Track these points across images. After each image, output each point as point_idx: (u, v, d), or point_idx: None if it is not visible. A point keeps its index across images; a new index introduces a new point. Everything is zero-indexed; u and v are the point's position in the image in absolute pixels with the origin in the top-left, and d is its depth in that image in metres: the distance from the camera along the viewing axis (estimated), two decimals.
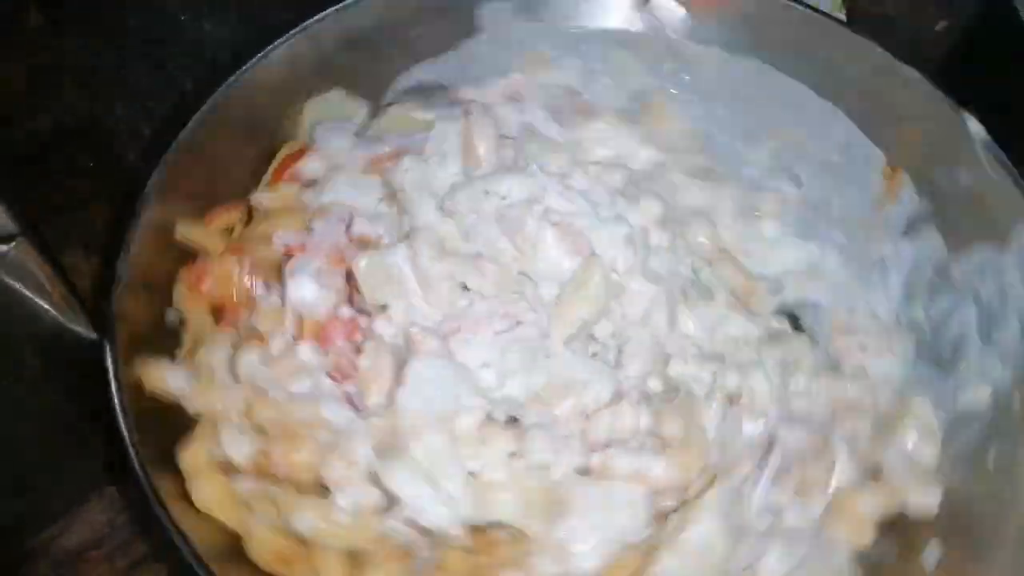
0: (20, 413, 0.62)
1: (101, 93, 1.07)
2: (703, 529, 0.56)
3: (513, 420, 0.60)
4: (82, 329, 0.61)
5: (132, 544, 0.74)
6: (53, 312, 0.58)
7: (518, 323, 0.61)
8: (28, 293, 0.54)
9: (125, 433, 0.54)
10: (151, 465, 0.53)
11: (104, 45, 1.11)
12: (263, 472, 0.57)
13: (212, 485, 0.57)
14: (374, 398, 0.59)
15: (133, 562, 0.73)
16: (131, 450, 0.53)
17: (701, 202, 0.72)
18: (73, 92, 1.02)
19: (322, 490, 0.57)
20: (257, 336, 0.61)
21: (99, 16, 1.13)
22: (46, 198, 0.91)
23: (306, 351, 0.60)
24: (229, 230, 0.69)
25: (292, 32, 0.71)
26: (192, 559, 0.51)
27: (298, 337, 0.61)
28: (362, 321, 0.62)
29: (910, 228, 0.71)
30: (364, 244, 0.65)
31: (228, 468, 0.58)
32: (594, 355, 0.63)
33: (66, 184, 0.94)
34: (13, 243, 0.51)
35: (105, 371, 0.58)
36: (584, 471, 0.59)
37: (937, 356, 0.67)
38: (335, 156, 0.70)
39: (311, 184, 0.69)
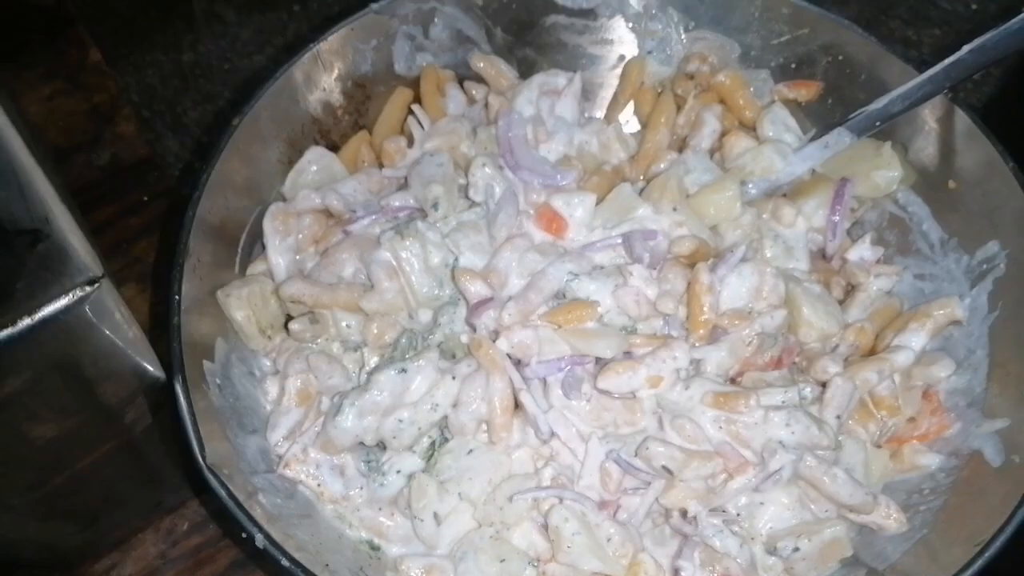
0: (93, 446, 0.64)
1: (155, 127, 1.10)
2: None
3: None
4: (151, 367, 0.63)
5: None
6: (127, 351, 0.59)
7: None
8: (107, 332, 0.56)
9: (198, 452, 0.60)
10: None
11: (159, 82, 1.15)
12: None
13: None
14: None
15: None
16: (203, 464, 0.59)
17: None
18: (130, 128, 1.05)
19: None
20: None
21: (153, 54, 1.17)
22: (100, 233, 0.94)
23: None
24: None
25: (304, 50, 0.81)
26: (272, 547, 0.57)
27: None
28: None
29: None
30: None
31: None
32: None
33: (121, 220, 0.97)
34: (97, 284, 0.53)
35: (176, 403, 0.61)
36: None
37: None
38: None
39: None
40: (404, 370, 0.67)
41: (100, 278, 0.53)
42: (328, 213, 0.80)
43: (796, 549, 0.63)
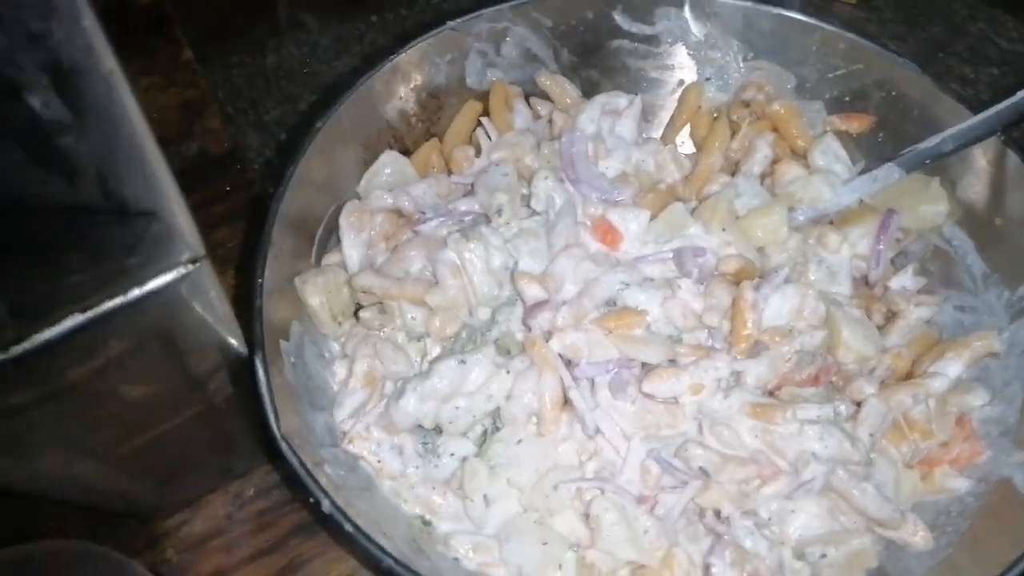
0: (177, 411, 0.70)
1: (238, 124, 1.17)
2: None
3: None
4: (235, 342, 0.69)
5: (248, 538, 0.82)
6: (216, 326, 0.65)
7: None
8: (201, 307, 0.62)
9: (273, 422, 0.66)
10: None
11: (243, 81, 1.22)
12: None
13: None
14: None
15: (249, 555, 0.81)
16: (278, 433, 0.66)
17: None
18: (216, 123, 1.13)
19: None
20: None
21: (239, 55, 1.25)
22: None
23: None
24: None
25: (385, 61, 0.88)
26: (336, 513, 0.63)
27: None
28: None
29: None
30: None
31: None
32: None
33: (204, 208, 1.04)
34: (198, 263, 0.59)
35: (255, 377, 0.68)
36: None
37: None
38: None
39: None
40: (463, 361, 0.72)
41: (202, 257, 0.59)
42: (399, 213, 0.85)
43: (823, 556, 0.66)
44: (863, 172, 0.89)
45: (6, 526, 0.81)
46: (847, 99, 0.93)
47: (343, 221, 0.82)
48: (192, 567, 0.80)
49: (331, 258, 0.84)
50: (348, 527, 0.62)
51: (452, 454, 0.73)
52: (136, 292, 0.57)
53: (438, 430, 0.75)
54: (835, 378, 0.76)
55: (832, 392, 0.75)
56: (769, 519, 0.69)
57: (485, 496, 0.71)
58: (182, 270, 0.58)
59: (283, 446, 0.66)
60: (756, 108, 0.94)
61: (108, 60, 0.43)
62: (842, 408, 0.70)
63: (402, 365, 0.77)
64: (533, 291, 0.77)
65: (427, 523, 0.72)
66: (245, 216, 1.04)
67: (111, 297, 0.56)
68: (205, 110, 1.13)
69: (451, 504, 0.72)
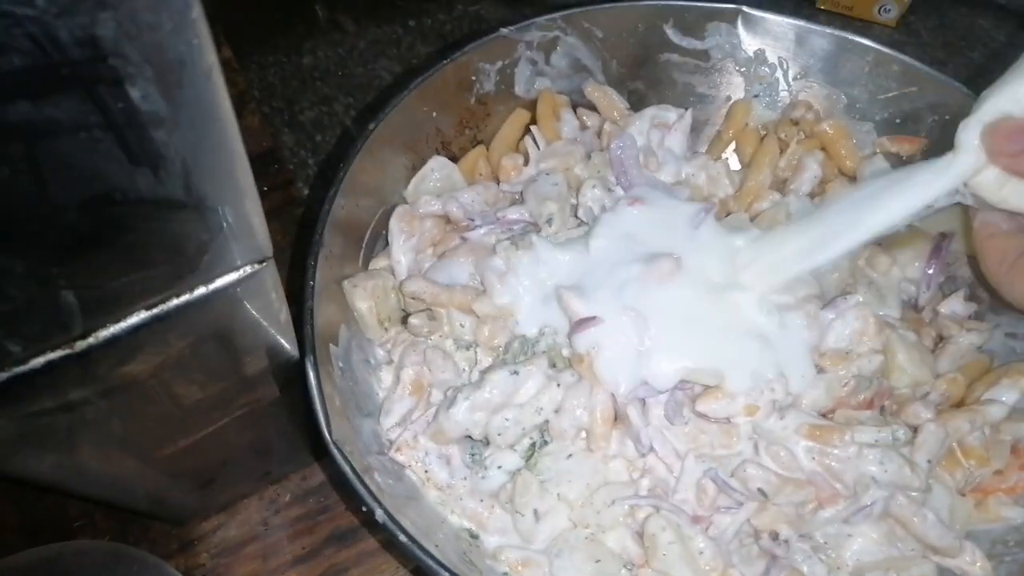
0: (225, 413, 0.68)
1: (276, 123, 1.16)
2: None
3: None
4: (288, 345, 0.67)
5: (284, 545, 0.81)
6: (272, 327, 0.64)
7: None
8: (259, 309, 0.61)
9: (325, 427, 0.66)
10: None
11: (279, 81, 1.21)
12: None
13: None
14: None
15: (285, 563, 0.80)
16: (329, 438, 0.65)
17: None
18: (255, 121, 1.12)
19: None
20: None
21: (276, 55, 1.24)
22: None
23: None
24: None
25: (437, 66, 0.87)
26: (390, 522, 0.62)
27: None
28: None
29: None
30: None
31: None
32: None
33: None
34: (264, 264, 0.58)
35: (307, 380, 0.66)
36: None
37: None
38: None
39: None
40: (516, 372, 0.71)
41: (268, 258, 0.58)
42: (446, 220, 0.84)
43: None
44: None
45: (37, 523, 0.80)
46: (898, 121, 0.93)
47: (394, 225, 0.81)
48: (226, 572, 0.79)
49: (378, 263, 0.82)
50: (402, 537, 0.61)
51: (500, 467, 0.72)
52: (203, 290, 0.56)
53: (485, 441, 0.73)
54: (887, 402, 0.75)
55: (886, 417, 0.74)
56: (825, 543, 0.68)
57: (535, 511, 0.69)
58: (249, 269, 0.57)
59: (335, 451, 0.64)
60: (805, 127, 0.94)
61: (210, 55, 0.42)
62: (900, 433, 0.69)
63: (450, 373, 0.76)
64: (577, 306, 0.75)
65: (474, 536, 0.71)
66: (282, 216, 1.03)
67: (178, 295, 0.55)
68: (243, 109, 1.12)
69: (499, 518, 0.71)
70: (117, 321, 0.53)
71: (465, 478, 0.72)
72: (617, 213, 0.78)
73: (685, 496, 0.68)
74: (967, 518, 0.72)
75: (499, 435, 0.71)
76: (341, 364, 0.73)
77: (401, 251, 0.81)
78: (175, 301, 0.55)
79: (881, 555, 0.67)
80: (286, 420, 0.76)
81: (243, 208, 0.53)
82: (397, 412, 0.74)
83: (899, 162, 0.92)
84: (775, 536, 0.68)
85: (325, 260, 0.75)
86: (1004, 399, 0.74)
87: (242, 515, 0.81)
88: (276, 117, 1.18)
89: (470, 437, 0.72)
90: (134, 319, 0.54)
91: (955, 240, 0.85)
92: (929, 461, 0.69)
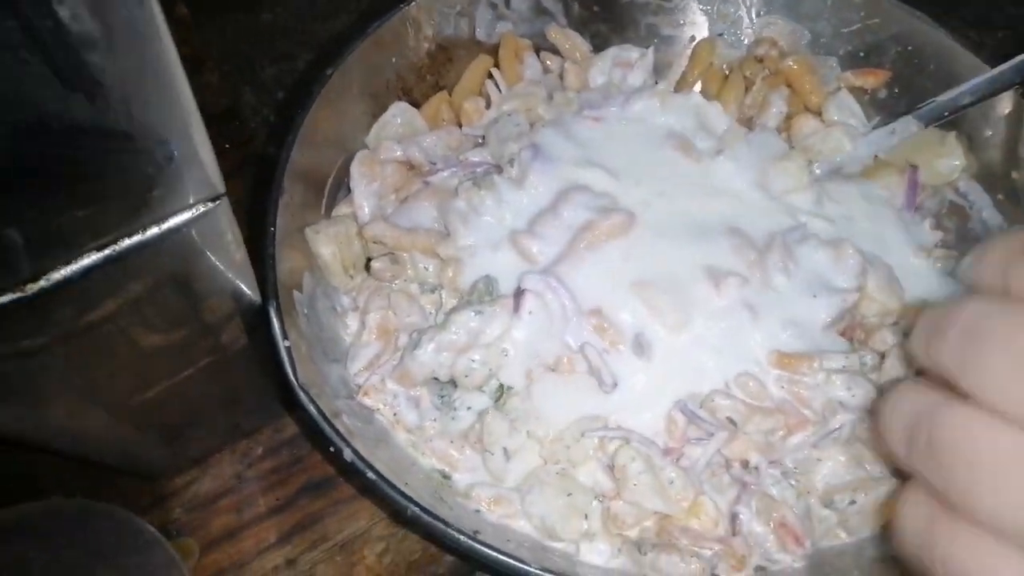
0: (189, 361, 0.68)
1: (235, 82, 1.14)
2: None
3: None
4: (249, 290, 0.66)
5: (258, 497, 0.80)
6: (231, 271, 0.63)
7: None
8: (218, 250, 0.60)
9: (290, 369, 0.65)
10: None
11: (238, 39, 1.19)
12: None
13: None
14: None
15: (259, 514, 0.79)
16: (295, 381, 0.64)
17: None
18: (213, 79, 1.10)
19: None
20: None
21: (234, 13, 1.21)
22: None
23: None
24: None
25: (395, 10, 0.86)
26: (359, 460, 0.62)
27: None
28: None
29: None
30: None
31: None
32: None
33: None
34: (218, 202, 0.56)
35: (270, 325, 0.66)
36: None
37: None
38: None
39: None
40: (481, 312, 0.70)
41: (222, 195, 0.57)
42: (409, 165, 0.83)
43: (852, 502, 0.66)
44: (878, 127, 0.88)
45: (5, 482, 0.79)
46: (862, 54, 0.92)
47: (354, 170, 0.80)
48: (201, 526, 0.78)
49: (341, 210, 0.81)
50: (371, 474, 0.61)
51: (469, 408, 0.72)
52: (155, 230, 0.55)
53: (453, 383, 0.73)
54: (857, 331, 0.75)
55: (854, 345, 0.74)
56: (795, 468, 0.69)
57: (505, 449, 0.69)
58: (202, 208, 0.56)
59: (301, 394, 0.64)
60: (769, 63, 0.93)
61: None
62: (868, 358, 0.69)
63: (416, 317, 0.75)
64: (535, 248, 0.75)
65: (446, 476, 0.71)
66: (244, 173, 1.01)
67: (130, 235, 0.54)
68: (201, 67, 1.10)
69: (469, 458, 0.71)
70: (68, 263, 0.52)
71: (435, 420, 0.72)
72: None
73: (655, 428, 0.68)
74: None
75: (466, 377, 0.70)
76: (306, 311, 0.72)
77: (363, 196, 0.80)
78: (127, 241, 0.54)
79: (849, 477, 0.68)
80: (254, 371, 0.75)
81: (190, 140, 0.52)
82: (364, 357, 0.73)
83: (863, 97, 0.92)
84: (745, 464, 0.68)
85: (286, 208, 0.73)
86: None
87: (215, 469, 0.81)
88: (235, 76, 1.15)
89: (437, 379, 0.72)
90: (86, 260, 0.53)
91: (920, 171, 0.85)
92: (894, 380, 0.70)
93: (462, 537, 0.59)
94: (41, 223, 0.49)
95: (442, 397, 0.73)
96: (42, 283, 0.51)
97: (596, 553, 0.67)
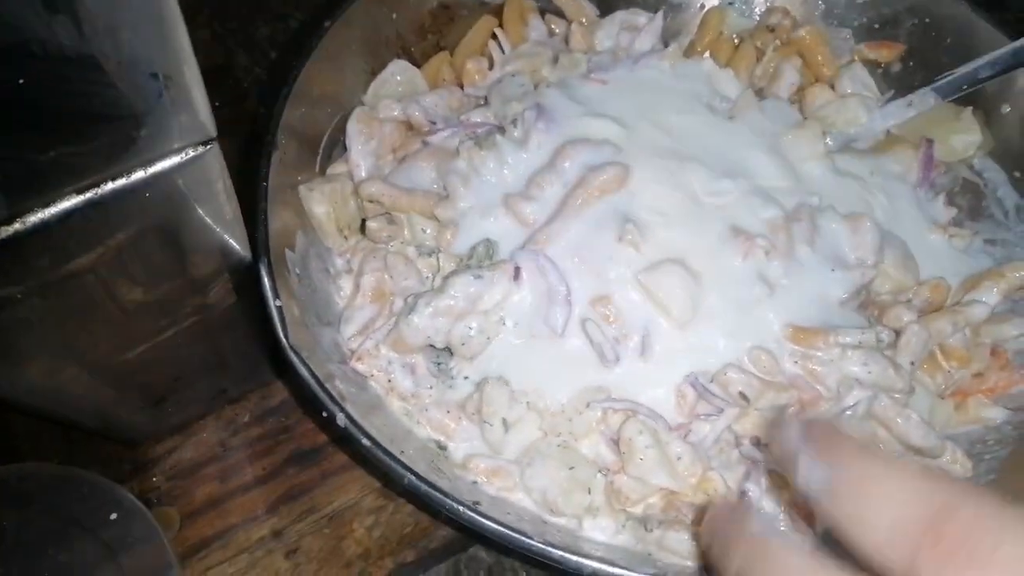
0: (175, 320, 0.64)
1: (229, 42, 1.10)
2: None
3: None
4: (239, 246, 0.63)
5: (243, 466, 0.77)
6: (221, 224, 0.60)
7: None
8: (208, 200, 0.57)
9: (280, 330, 0.62)
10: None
11: None
12: None
13: None
14: None
15: (244, 484, 0.76)
16: (286, 342, 0.61)
17: None
18: (206, 36, 1.06)
19: None
20: None
21: None
22: None
23: None
24: None
25: None
26: (352, 426, 0.59)
27: None
28: None
29: None
30: None
31: None
32: None
33: None
34: (209, 146, 0.53)
35: (260, 283, 0.62)
36: None
37: None
38: None
39: None
40: (480, 276, 0.67)
41: (213, 139, 0.53)
42: (408, 125, 0.80)
43: None
44: (893, 99, 0.85)
45: None
46: (876, 26, 0.89)
47: (351, 128, 0.77)
48: (183, 495, 0.75)
49: (337, 168, 0.78)
50: (366, 441, 0.58)
51: (466, 377, 0.69)
52: (140, 174, 0.51)
53: (450, 351, 0.70)
54: (871, 308, 0.73)
55: (869, 321, 0.71)
56: None
57: (504, 420, 0.66)
58: (192, 152, 0.53)
59: (292, 356, 0.61)
60: (781, 33, 0.90)
61: None
62: (884, 335, 0.67)
63: (413, 280, 0.72)
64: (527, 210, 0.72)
65: (442, 447, 0.68)
66: (236, 131, 0.98)
67: (113, 178, 0.50)
68: (192, 23, 1.05)
69: (466, 429, 0.68)
70: (46, 205, 0.49)
71: (431, 388, 0.69)
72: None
73: (663, 402, 0.65)
74: (947, 420, 0.70)
75: (463, 345, 0.67)
76: (298, 271, 0.69)
77: (360, 155, 0.76)
78: (110, 185, 0.50)
79: None
80: (241, 334, 0.72)
81: (182, 76, 0.49)
82: (358, 321, 0.70)
83: (876, 70, 0.89)
84: (756, 441, 0.66)
85: (279, 164, 0.70)
86: (985, 300, 0.72)
87: (198, 436, 0.77)
88: (229, 36, 1.11)
89: (433, 346, 0.69)
90: (65, 204, 0.49)
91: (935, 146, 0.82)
92: (912, 363, 0.67)
93: (462, 508, 0.56)
94: (18, 160, 0.46)
95: (438, 365, 0.70)
96: (16, 226, 0.48)
97: (599, 529, 0.64)
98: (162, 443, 0.77)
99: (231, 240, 0.63)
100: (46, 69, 0.43)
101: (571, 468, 0.65)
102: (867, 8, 0.90)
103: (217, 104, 1.02)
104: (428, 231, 0.74)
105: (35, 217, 0.49)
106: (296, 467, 0.77)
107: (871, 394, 0.64)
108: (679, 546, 0.60)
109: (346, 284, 0.74)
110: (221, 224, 0.61)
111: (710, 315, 0.68)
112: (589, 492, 0.64)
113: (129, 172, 0.51)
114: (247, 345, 0.74)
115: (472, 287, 0.67)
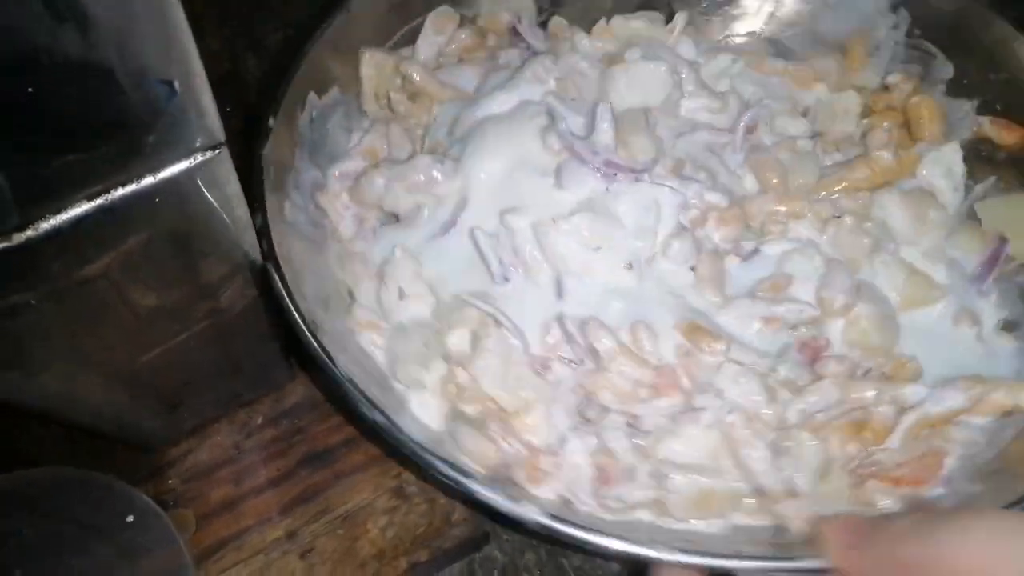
0: (187, 325, 0.65)
1: (237, 48, 1.11)
2: None
3: None
4: (250, 250, 0.64)
5: (257, 468, 0.78)
6: (232, 227, 0.60)
7: None
8: (215, 206, 0.57)
9: (299, 319, 0.63)
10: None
11: (240, 3, 1.16)
12: None
13: None
14: None
15: (258, 485, 0.77)
16: (308, 335, 0.62)
17: None
18: (215, 43, 1.07)
19: None
20: None
21: None
22: None
23: None
24: None
25: None
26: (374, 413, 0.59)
27: None
28: None
29: None
30: None
31: None
32: None
33: None
34: (218, 151, 0.54)
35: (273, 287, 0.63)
36: None
37: None
38: None
39: None
40: (442, 162, 0.72)
41: (222, 144, 0.54)
42: (482, 40, 0.86)
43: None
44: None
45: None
46: (998, 107, 0.80)
47: (428, 20, 0.84)
48: (198, 497, 0.76)
49: (407, 52, 0.84)
50: (402, 437, 0.58)
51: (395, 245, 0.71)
52: (150, 179, 0.52)
53: (397, 218, 0.75)
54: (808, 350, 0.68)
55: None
56: (648, 431, 0.64)
57: (401, 289, 0.69)
58: (201, 157, 0.53)
59: (315, 347, 0.61)
60: (896, 99, 0.83)
61: None
62: (782, 370, 0.64)
63: (404, 154, 0.77)
64: None
65: (353, 298, 0.72)
66: (244, 137, 0.99)
67: (123, 184, 0.51)
68: (202, 30, 1.06)
69: (371, 288, 0.71)
70: (58, 212, 0.49)
71: (364, 239, 0.74)
72: None
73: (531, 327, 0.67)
74: (838, 492, 0.63)
75: (406, 216, 0.73)
76: (314, 114, 0.75)
77: (425, 44, 0.83)
78: (120, 191, 0.51)
79: (695, 462, 0.62)
80: (255, 337, 0.73)
81: (190, 81, 0.49)
82: (343, 166, 0.76)
83: (982, 155, 0.80)
84: (591, 396, 0.64)
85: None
86: (950, 399, 0.64)
87: (213, 439, 0.78)
88: (237, 42, 1.12)
89: (383, 209, 0.74)
90: (76, 210, 0.50)
91: (1013, 244, 0.74)
92: (803, 410, 0.63)
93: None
94: (29, 168, 0.46)
95: (383, 225, 0.75)
96: (29, 233, 0.49)
97: (424, 407, 0.66)
98: (177, 447, 0.78)
99: (242, 243, 0.63)
100: (54, 77, 0.43)
101: (426, 345, 0.67)
102: (1000, 86, 0.79)
103: (227, 109, 1.03)
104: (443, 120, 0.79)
105: (47, 223, 0.49)
106: (309, 468, 0.77)
107: (726, 409, 0.62)
108: (472, 444, 0.62)
109: (355, 138, 0.80)
110: (233, 227, 0.61)
111: (616, 275, 0.68)
112: (428, 369, 0.66)
113: (139, 178, 0.51)
114: (260, 348, 0.75)
115: (434, 170, 0.71)
